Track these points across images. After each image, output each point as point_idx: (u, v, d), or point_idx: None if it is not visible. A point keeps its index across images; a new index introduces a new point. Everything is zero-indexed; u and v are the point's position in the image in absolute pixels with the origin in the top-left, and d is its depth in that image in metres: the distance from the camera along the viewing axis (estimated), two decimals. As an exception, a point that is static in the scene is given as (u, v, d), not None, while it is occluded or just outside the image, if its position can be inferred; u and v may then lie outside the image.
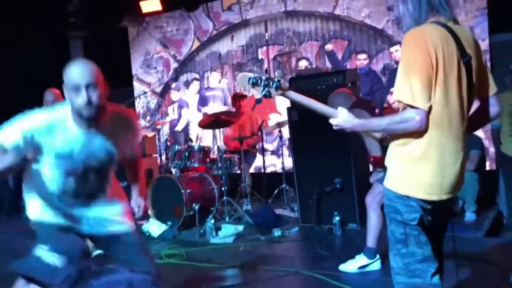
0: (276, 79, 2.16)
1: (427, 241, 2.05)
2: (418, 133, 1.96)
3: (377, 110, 3.11)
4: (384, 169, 2.20)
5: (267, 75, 2.19)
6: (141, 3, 7.38)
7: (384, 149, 3.02)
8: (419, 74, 1.89)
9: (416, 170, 1.99)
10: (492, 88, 2.16)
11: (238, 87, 7.27)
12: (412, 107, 1.90)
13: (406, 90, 1.92)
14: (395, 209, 2.05)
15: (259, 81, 2.17)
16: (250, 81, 2.19)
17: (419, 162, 1.98)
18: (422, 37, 1.93)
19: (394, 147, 2.07)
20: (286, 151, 6.59)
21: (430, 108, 1.91)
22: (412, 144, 1.99)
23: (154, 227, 5.27)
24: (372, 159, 2.75)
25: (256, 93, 2.23)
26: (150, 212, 5.55)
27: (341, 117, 2.11)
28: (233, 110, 6.60)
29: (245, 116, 6.36)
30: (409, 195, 2.00)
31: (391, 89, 6.13)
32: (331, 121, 2.14)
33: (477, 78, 2.05)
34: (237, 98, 6.44)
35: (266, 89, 2.17)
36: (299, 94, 2.23)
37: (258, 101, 2.29)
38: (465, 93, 2.00)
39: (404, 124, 1.94)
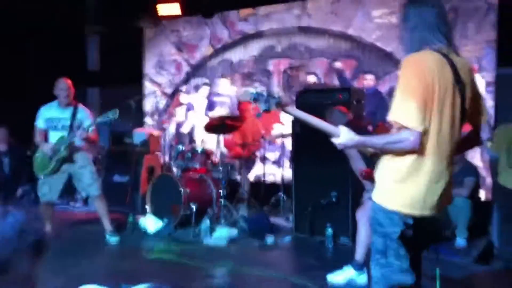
0: (276, 96, 2.28)
1: (406, 255, 2.13)
2: (407, 151, 2.07)
3: (370, 128, 3.22)
4: (375, 182, 2.30)
5: (268, 91, 2.30)
6: (157, 6, 7.51)
7: (368, 163, 3.12)
8: (415, 96, 2.00)
9: (400, 186, 2.09)
10: (485, 116, 2.26)
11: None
12: (407, 128, 2.01)
13: (402, 111, 2.03)
14: (378, 221, 2.15)
15: (260, 97, 2.29)
16: (252, 97, 2.30)
17: (404, 178, 2.08)
18: (420, 62, 2.05)
19: (383, 162, 2.18)
20: (287, 162, 6.69)
21: (425, 129, 2.02)
22: (400, 161, 2.09)
23: (150, 223, 5.37)
24: (364, 173, 2.85)
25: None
26: (148, 207, 5.66)
27: (343, 136, 2.19)
28: (237, 113, 6.66)
29: (247, 123, 6.45)
30: (392, 209, 2.10)
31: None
32: (334, 140, 2.22)
33: (470, 105, 2.15)
34: (241, 102, 6.55)
35: (267, 104, 2.29)
36: (299, 110, 2.34)
37: (258, 115, 2.39)
38: (458, 118, 2.11)
39: (399, 144, 2.04)
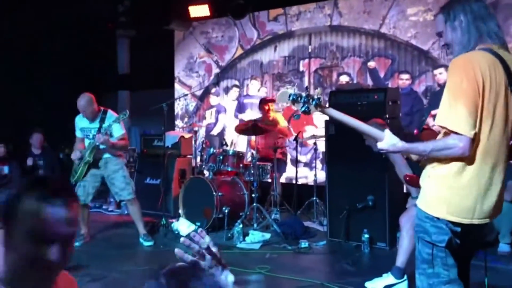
0: (316, 97, 2.18)
1: (454, 264, 2.04)
2: (456, 157, 1.96)
3: (415, 131, 3.10)
4: (418, 188, 2.20)
5: (307, 92, 2.21)
6: (190, 7, 7.55)
7: (415, 169, 3.00)
8: (465, 100, 1.89)
9: (449, 193, 1.99)
10: None
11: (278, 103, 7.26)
12: (456, 133, 1.90)
13: (451, 116, 1.92)
14: (424, 229, 2.05)
15: (299, 98, 2.18)
16: (290, 98, 2.20)
17: (453, 185, 1.98)
18: (470, 63, 1.93)
19: (430, 169, 2.07)
20: (319, 164, 6.58)
21: (475, 135, 1.91)
22: (449, 167, 1.98)
23: (183, 226, 5.33)
24: (407, 178, 2.74)
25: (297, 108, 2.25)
26: (180, 211, 5.65)
27: (387, 140, 2.10)
28: (261, 114, 6.61)
29: (276, 125, 6.35)
30: (439, 216, 2.00)
31: (432, 112, 6.05)
32: (378, 144, 2.13)
33: None
34: (264, 102, 6.48)
35: (306, 105, 2.19)
36: (339, 112, 2.24)
37: (297, 117, 2.31)
38: (510, 121, 1.99)
39: (447, 150, 1.93)
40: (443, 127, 1.97)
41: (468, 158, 1.94)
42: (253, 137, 6.47)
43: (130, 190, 4.95)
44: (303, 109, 2.20)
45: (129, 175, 5.14)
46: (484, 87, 1.91)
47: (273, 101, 6.49)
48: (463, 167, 1.95)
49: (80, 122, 4.99)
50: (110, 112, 4.94)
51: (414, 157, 2.26)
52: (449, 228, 1.99)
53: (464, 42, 2.02)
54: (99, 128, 4.80)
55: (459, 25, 2.03)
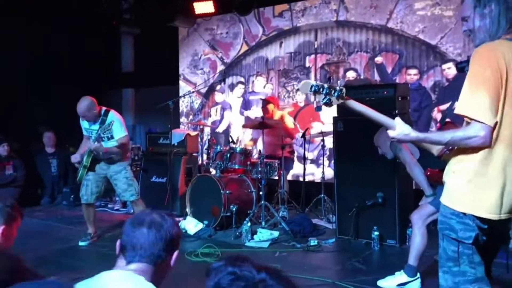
0: (338, 88, 2.13)
1: (481, 262, 2.00)
2: (481, 150, 1.92)
3: (438, 125, 3.06)
4: (441, 184, 2.15)
5: (329, 83, 2.15)
6: (194, 4, 7.49)
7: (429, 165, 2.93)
8: (487, 88, 1.86)
9: (475, 188, 1.94)
10: None
11: (299, 93, 7.16)
12: (478, 122, 1.86)
13: (472, 104, 1.88)
14: (450, 225, 2.01)
15: (321, 89, 2.13)
16: (312, 89, 2.14)
17: (480, 180, 1.93)
18: (494, 52, 1.90)
19: (454, 164, 2.03)
20: (326, 161, 6.52)
21: (496, 124, 1.87)
22: (474, 161, 1.94)
23: (191, 225, 5.31)
24: (428, 173, 2.68)
25: (317, 100, 2.19)
26: (187, 209, 5.60)
27: (399, 129, 2.07)
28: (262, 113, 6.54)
29: (284, 123, 6.30)
30: (466, 212, 1.96)
31: (440, 107, 5.98)
32: (389, 132, 2.10)
33: None
34: (266, 102, 6.42)
35: (327, 97, 2.13)
36: (361, 104, 2.19)
37: (318, 109, 2.24)
38: None
39: (467, 140, 1.90)
40: (464, 116, 1.93)
41: (493, 150, 1.91)
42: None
43: (133, 191, 4.90)
44: (324, 100, 2.14)
45: (134, 175, 5.07)
46: (507, 77, 1.89)
47: (273, 101, 6.45)
48: (489, 160, 1.92)
49: (83, 122, 4.94)
50: (111, 113, 4.83)
51: (435, 151, 2.21)
52: (476, 224, 1.94)
53: (491, 31, 1.98)
54: (99, 130, 4.73)
55: (489, 13, 1.98)
